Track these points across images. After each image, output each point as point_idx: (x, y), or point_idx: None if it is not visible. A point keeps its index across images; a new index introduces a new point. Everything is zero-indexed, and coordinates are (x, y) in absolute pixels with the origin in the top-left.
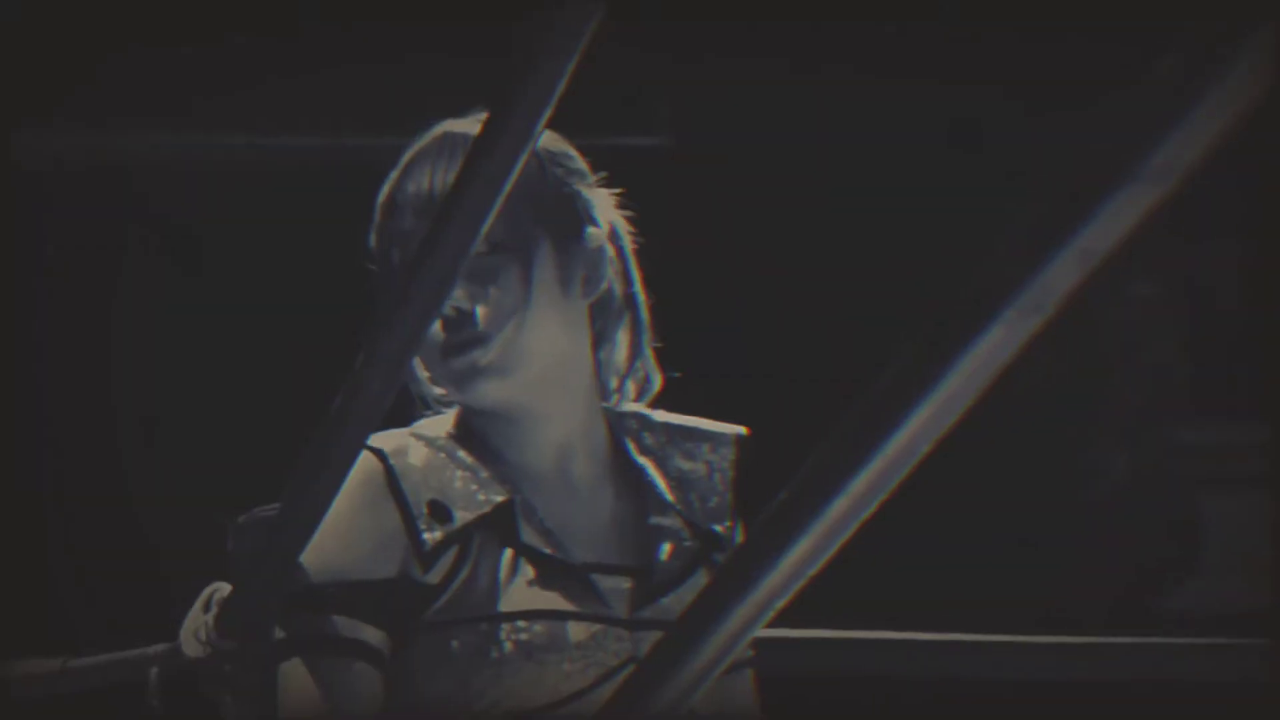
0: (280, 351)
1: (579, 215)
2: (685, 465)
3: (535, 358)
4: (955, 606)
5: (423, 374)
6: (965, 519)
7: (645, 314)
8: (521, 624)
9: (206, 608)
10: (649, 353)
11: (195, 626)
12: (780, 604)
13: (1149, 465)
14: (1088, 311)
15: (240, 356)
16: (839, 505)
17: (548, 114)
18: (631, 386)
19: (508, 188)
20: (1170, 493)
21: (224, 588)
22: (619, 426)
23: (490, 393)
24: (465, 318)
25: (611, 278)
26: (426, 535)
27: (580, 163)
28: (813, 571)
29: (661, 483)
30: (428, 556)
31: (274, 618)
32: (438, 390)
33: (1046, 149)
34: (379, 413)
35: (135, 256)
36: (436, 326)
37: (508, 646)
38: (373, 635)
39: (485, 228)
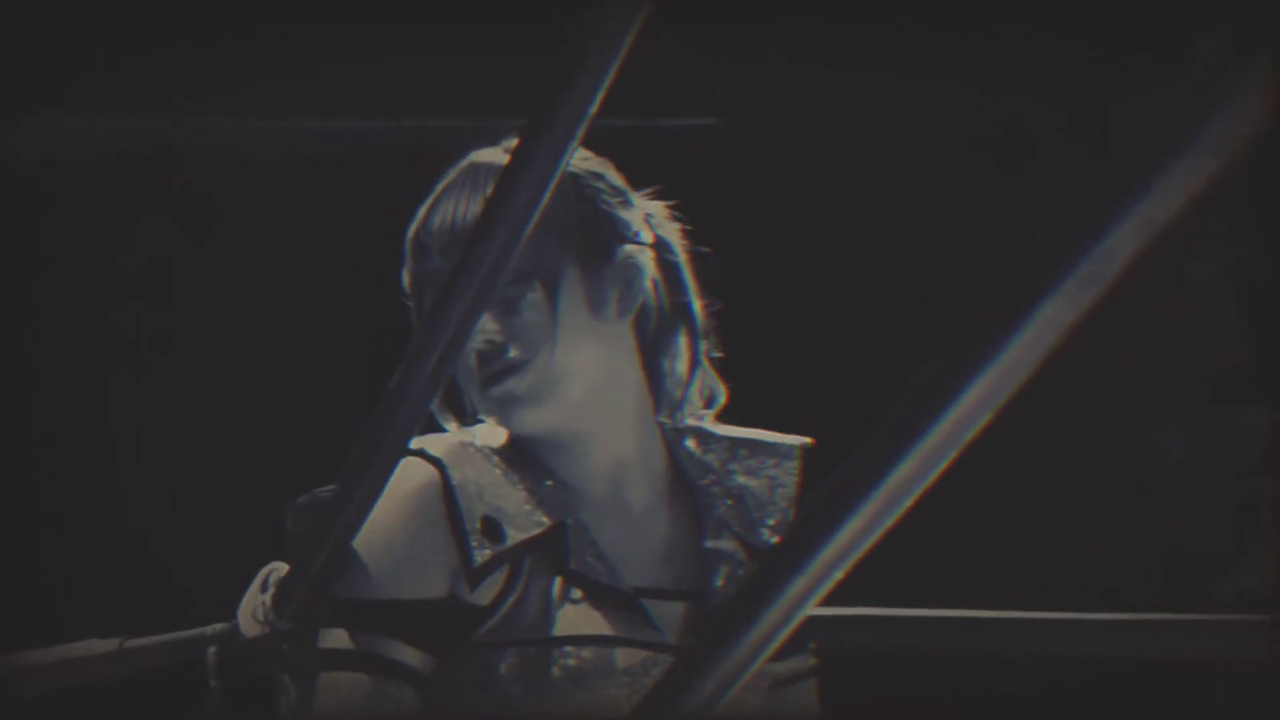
0: (283, 344)
1: (608, 235)
2: (747, 481)
3: (572, 383)
4: (1007, 587)
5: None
6: (1021, 500)
7: (702, 323)
8: (569, 649)
9: (264, 588)
10: (707, 363)
11: (253, 606)
12: (836, 578)
13: (1206, 447)
14: (1146, 293)
15: (243, 349)
16: (898, 476)
17: (584, 127)
18: (696, 398)
19: (549, 193)
20: (1227, 475)
21: (281, 568)
22: (677, 445)
23: (530, 421)
24: (497, 349)
25: (650, 291)
26: (477, 553)
27: (615, 179)
28: (868, 546)
29: (721, 502)
30: (476, 574)
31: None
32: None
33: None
34: (432, 393)
35: (137, 245)
36: (472, 361)
37: (554, 672)
38: (413, 656)
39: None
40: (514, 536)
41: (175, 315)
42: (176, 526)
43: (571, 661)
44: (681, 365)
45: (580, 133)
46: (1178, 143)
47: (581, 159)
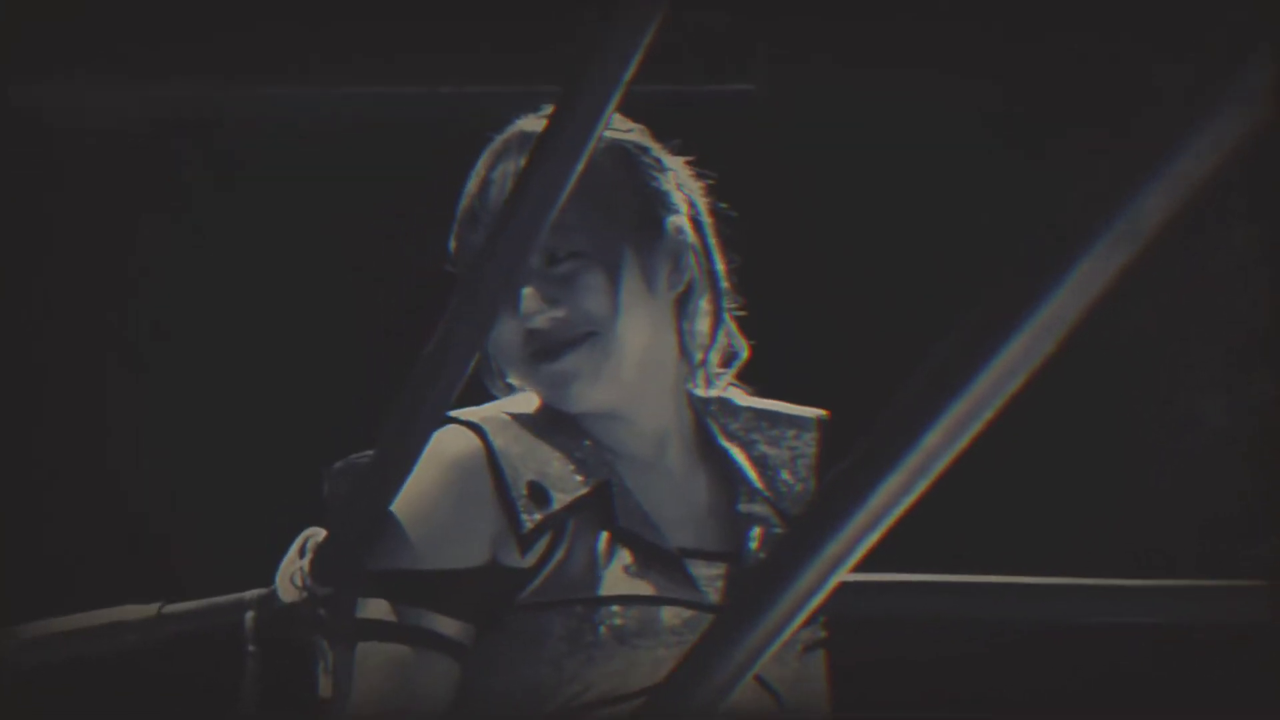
0: (283, 340)
1: (659, 210)
2: (769, 451)
3: (628, 362)
4: (1043, 552)
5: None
6: (1059, 465)
7: (725, 282)
8: (615, 609)
9: (302, 553)
10: (729, 321)
11: (291, 571)
12: (871, 541)
13: (1245, 414)
14: (1184, 261)
15: (242, 343)
16: (932, 438)
17: (619, 93)
18: (716, 358)
19: (582, 163)
20: (1265, 442)
21: (319, 533)
22: (703, 412)
23: (586, 398)
24: (555, 325)
25: (693, 265)
26: (525, 518)
27: (656, 149)
28: (902, 509)
29: (750, 469)
30: (526, 539)
31: (366, 565)
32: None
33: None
34: (470, 355)
35: (148, 223)
36: (521, 338)
37: (601, 631)
38: (453, 627)
39: (557, 223)
40: (560, 499)
41: (175, 308)
42: (176, 524)
43: (618, 621)
44: (704, 325)
45: (615, 100)
46: (1206, 106)
47: (624, 130)
